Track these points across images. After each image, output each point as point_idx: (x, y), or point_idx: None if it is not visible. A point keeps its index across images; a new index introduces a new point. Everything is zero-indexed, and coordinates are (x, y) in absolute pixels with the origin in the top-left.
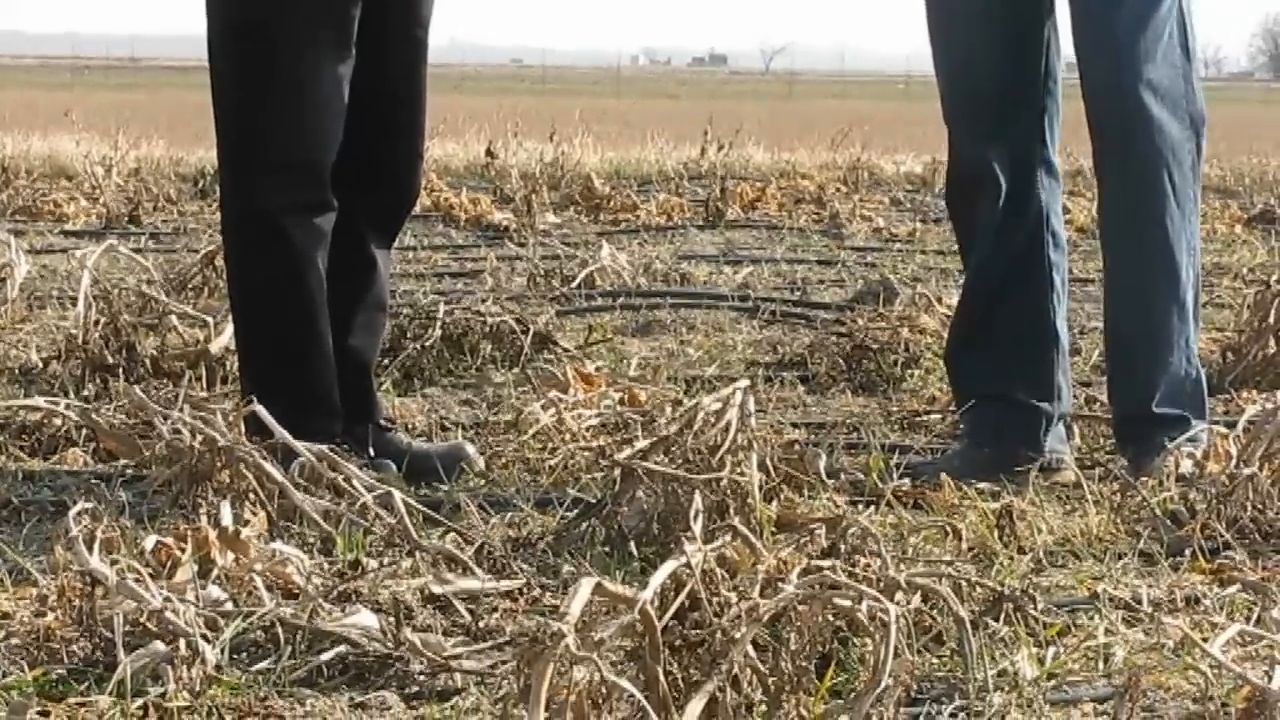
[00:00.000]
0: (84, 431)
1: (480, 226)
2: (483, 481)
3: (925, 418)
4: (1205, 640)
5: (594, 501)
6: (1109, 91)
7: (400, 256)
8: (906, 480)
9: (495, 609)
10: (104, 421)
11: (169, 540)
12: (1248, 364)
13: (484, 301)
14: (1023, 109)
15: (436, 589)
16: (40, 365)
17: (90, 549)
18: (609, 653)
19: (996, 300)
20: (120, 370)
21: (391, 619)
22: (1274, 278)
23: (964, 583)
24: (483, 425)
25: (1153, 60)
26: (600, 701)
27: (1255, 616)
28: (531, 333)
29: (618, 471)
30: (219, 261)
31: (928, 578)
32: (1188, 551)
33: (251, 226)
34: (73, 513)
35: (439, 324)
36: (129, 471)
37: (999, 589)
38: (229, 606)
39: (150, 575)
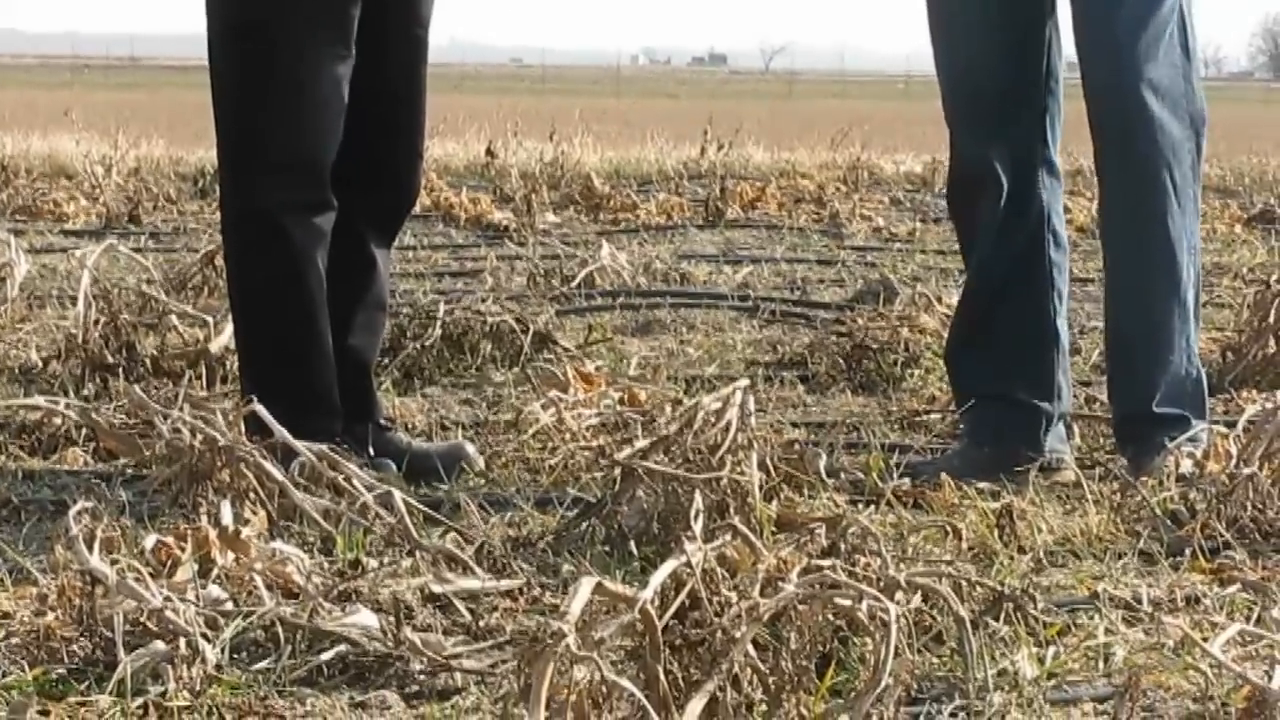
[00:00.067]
0: (84, 431)
1: (480, 226)
2: (483, 481)
3: (925, 417)
4: (1205, 640)
5: (594, 501)
6: (1110, 91)
7: (400, 256)
8: (906, 480)
9: (495, 608)
10: (104, 421)
11: (169, 539)
12: (1248, 364)
13: (484, 301)
14: (1024, 109)
15: (436, 588)
16: (40, 364)
17: (90, 548)
18: (609, 652)
19: (997, 300)
20: (120, 370)
21: (391, 618)
22: (1274, 277)
23: (964, 582)
24: (483, 425)
25: (1153, 60)
26: (600, 701)
27: (1255, 616)
28: (531, 332)
29: (618, 471)
30: (219, 261)
31: (928, 577)
32: (1188, 551)
33: (251, 226)
34: (73, 512)
35: (439, 323)
36: (129, 471)
37: (999, 588)
38: (229, 606)
39: (150, 574)
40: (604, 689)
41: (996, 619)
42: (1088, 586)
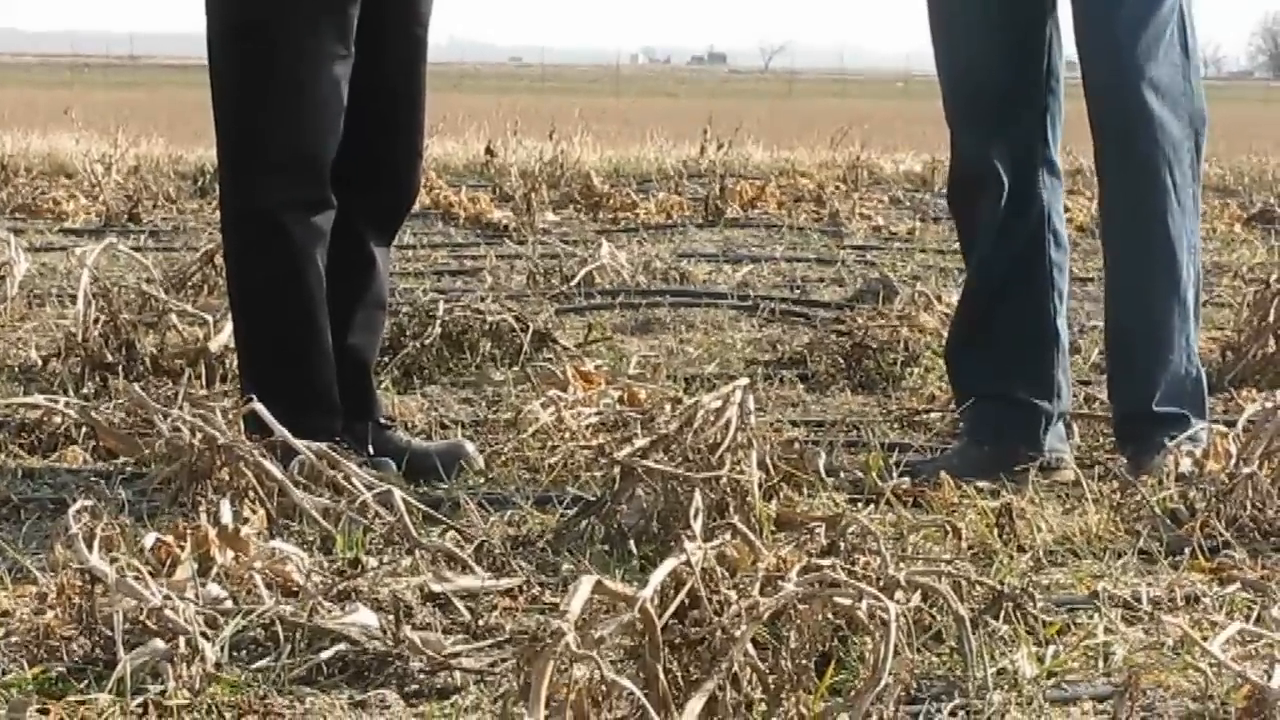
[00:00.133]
0: (84, 429)
1: (479, 225)
2: (482, 480)
3: (925, 416)
4: (1205, 639)
5: (593, 500)
6: (1110, 90)
7: (400, 255)
8: (906, 479)
9: (495, 607)
10: (103, 419)
11: (168, 538)
12: (1247, 363)
13: (483, 300)
14: (1025, 109)
15: (436, 587)
16: (40, 363)
17: (90, 547)
18: (609, 651)
19: (997, 299)
20: (120, 368)
21: (391, 617)
22: (1273, 276)
23: (963, 581)
24: (482, 423)
25: (1154, 59)
26: (600, 700)
27: (1255, 615)
28: (531, 331)
29: (617, 470)
30: (218, 259)
31: (927, 576)
32: (1187, 550)
33: (251, 225)
34: (72, 510)
35: (438, 322)
36: (128, 469)
37: (998, 587)
38: (228, 604)
39: (150, 573)
40: (603, 688)
41: (996, 618)
42: (1087, 585)
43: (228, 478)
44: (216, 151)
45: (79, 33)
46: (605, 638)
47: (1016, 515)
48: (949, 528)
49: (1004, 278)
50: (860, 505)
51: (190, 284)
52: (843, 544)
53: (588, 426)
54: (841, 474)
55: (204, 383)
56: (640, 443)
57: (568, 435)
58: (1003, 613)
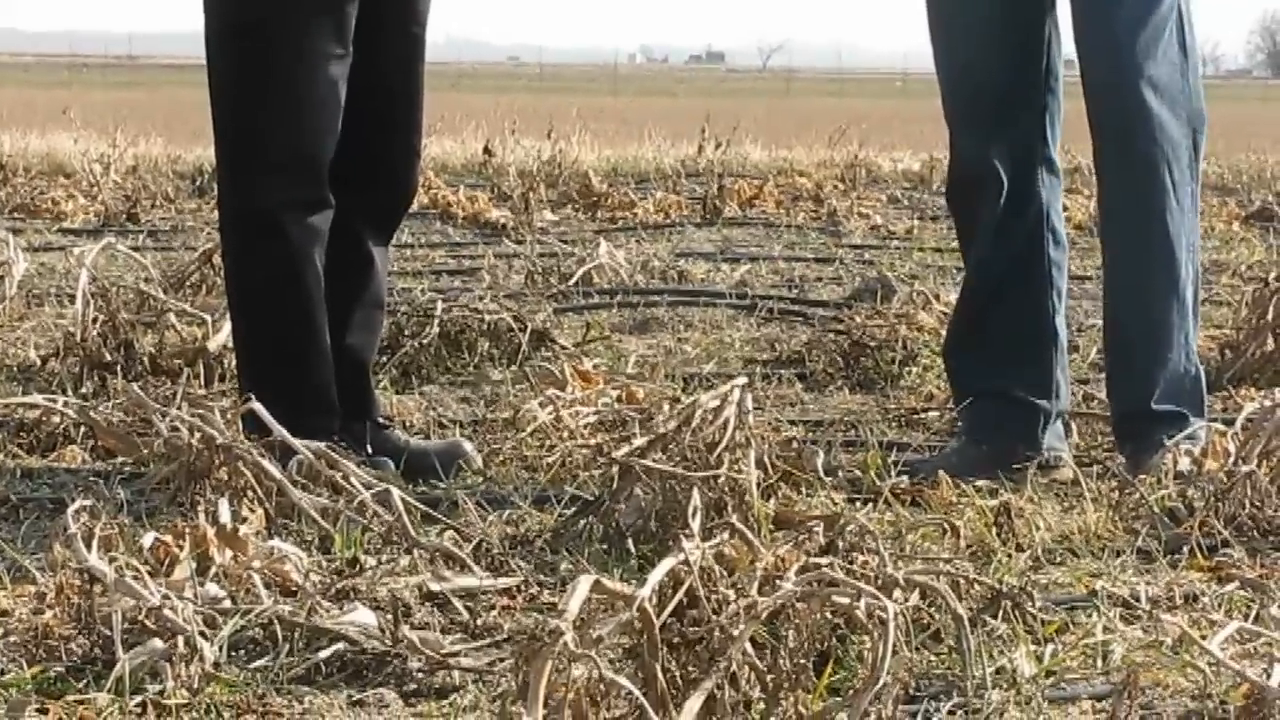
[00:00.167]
0: (82, 429)
1: (478, 224)
2: (480, 479)
3: (923, 415)
4: (1204, 638)
5: (592, 499)
6: (1110, 89)
7: (398, 254)
8: (904, 477)
9: (493, 606)
10: (102, 419)
11: (167, 538)
12: (1246, 361)
13: (482, 299)
14: (1024, 109)
15: (434, 586)
16: (39, 363)
17: (89, 546)
18: (607, 650)
19: (996, 298)
20: (118, 368)
21: (389, 616)
22: (1272, 275)
23: (962, 580)
24: (480, 423)
25: (1153, 58)
26: (598, 699)
27: (1253, 614)
28: (529, 330)
29: (615, 469)
30: (217, 259)
31: (926, 575)
32: (1186, 549)
33: (249, 225)
34: (71, 510)
35: (437, 321)
36: (127, 469)
37: (997, 586)
38: (227, 604)
39: (148, 573)
40: (602, 687)
41: (995, 617)
42: (1086, 584)
43: (226, 477)
44: (214, 151)
45: (78, 32)
46: (603, 637)
47: (1015, 514)
48: (947, 527)
49: (1002, 277)
50: (858, 504)
51: (189, 284)
52: (841, 543)
53: (586, 426)
54: (840, 473)
55: (202, 382)
56: (638, 442)
57: (566, 434)
58: (1001, 611)
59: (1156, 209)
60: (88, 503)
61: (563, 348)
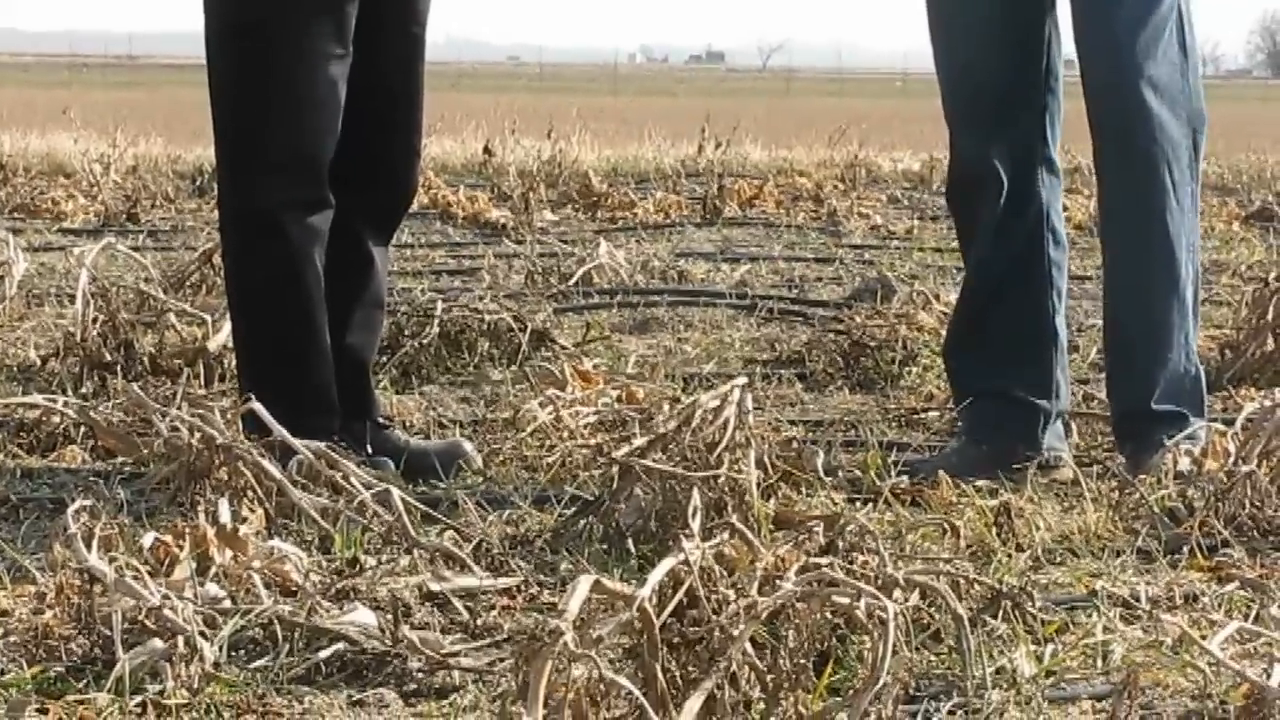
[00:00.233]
0: (82, 429)
1: (478, 224)
2: (481, 479)
3: (923, 415)
4: (1204, 638)
5: (592, 499)
6: (1110, 89)
7: (398, 254)
8: (904, 477)
9: (493, 606)
10: (102, 419)
11: (167, 538)
12: (1246, 361)
13: (482, 299)
14: (1024, 109)
15: (434, 586)
16: (39, 363)
17: (89, 546)
18: (607, 650)
19: (996, 298)
20: (118, 368)
21: (389, 616)
22: (1272, 275)
23: (962, 580)
24: (480, 423)
25: (1153, 58)
26: (598, 699)
27: (1253, 614)
28: (529, 330)
29: (615, 469)
30: (217, 259)
31: (926, 575)
32: (1186, 549)
33: (250, 225)
34: (71, 510)
35: (437, 321)
36: (127, 469)
37: (997, 586)
38: (227, 604)
39: (148, 573)
40: (602, 687)
41: (994, 617)
42: (1086, 584)
43: (226, 477)
44: (214, 151)
45: (78, 32)
46: (603, 637)
47: (1015, 514)
48: (947, 526)
49: (1002, 277)
50: (858, 504)
51: (189, 283)
52: (841, 543)
53: (586, 426)
54: (840, 473)
55: (202, 382)
56: (638, 442)
57: (566, 434)
58: (1001, 612)
59: (1156, 209)
60: (88, 503)
61: (563, 348)
